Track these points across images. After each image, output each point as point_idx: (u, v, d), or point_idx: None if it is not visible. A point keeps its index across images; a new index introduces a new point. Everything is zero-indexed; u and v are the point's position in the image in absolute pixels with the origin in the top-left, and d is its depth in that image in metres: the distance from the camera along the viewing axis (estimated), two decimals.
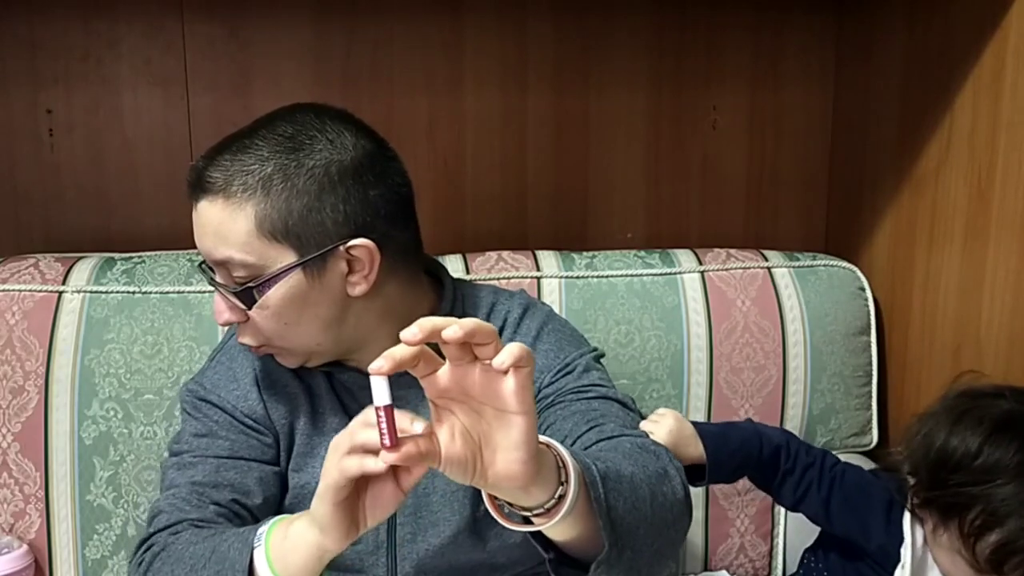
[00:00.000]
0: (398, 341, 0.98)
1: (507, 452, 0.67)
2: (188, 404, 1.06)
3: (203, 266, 0.97)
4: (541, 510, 0.71)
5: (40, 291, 1.29)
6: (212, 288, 0.99)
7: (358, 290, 0.94)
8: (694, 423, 1.12)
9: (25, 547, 1.26)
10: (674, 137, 1.63)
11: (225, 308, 0.95)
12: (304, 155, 0.91)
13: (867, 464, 1.43)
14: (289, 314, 0.94)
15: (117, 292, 1.30)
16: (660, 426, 1.08)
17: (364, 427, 0.69)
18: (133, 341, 1.28)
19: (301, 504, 1.02)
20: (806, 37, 1.63)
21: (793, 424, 1.44)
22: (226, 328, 1.16)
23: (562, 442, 0.92)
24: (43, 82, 1.46)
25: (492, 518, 1.00)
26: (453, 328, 0.63)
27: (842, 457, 1.44)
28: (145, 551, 0.94)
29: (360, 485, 0.72)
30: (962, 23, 1.31)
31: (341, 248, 0.92)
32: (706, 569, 1.44)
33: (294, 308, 0.93)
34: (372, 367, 0.64)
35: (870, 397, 1.48)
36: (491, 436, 0.68)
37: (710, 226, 1.66)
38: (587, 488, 0.74)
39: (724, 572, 1.44)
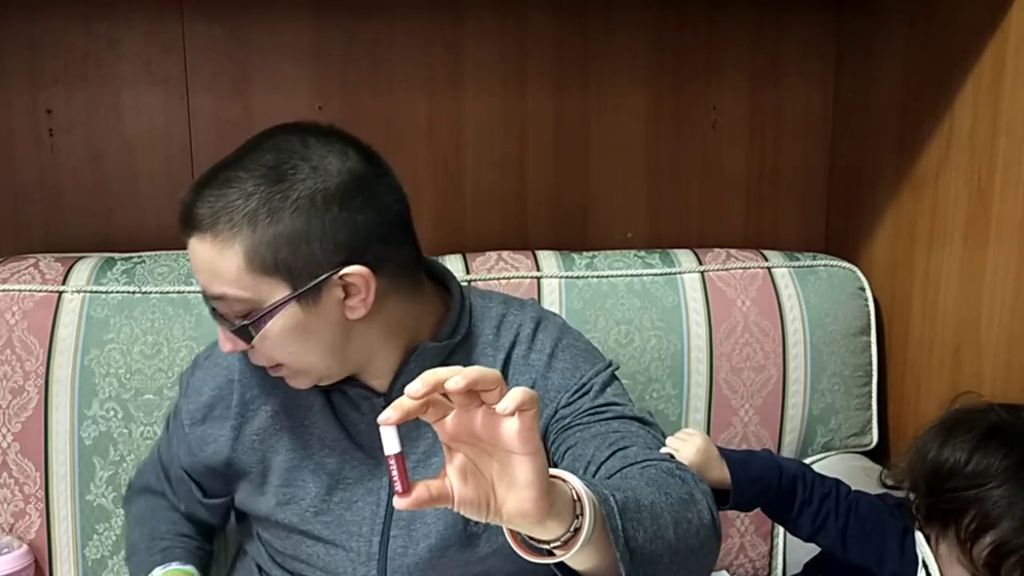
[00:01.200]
0: (406, 355, 0.99)
1: (518, 491, 0.68)
2: (172, 412, 1.13)
3: (206, 298, 0.97)
4: (558, 543, 0.72)
5: (40, 291, 1.29)
6: None
7: (357, 314, 0.93)
8: (717, 447, 1.11)
9: (25, 547, 1.26)
10: (674, 137, 1.63)
11: (227, 340, 0.95)
12: (288, 186, 0.89)
13: (867, 464, 1.43)
14: (291, 344, 0.93)
15: (117, 292, 1.30)
16: (688, 445, 1.07)
17: None
18: (133, 341, 1.28)
19: (287, 508, 1.03)
20: (806, 37, 1.63)
21: (793, 424, 1.44)
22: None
23: (585, 468, 0.92)
24: (43, 82, 1.46)
25: (483, 530, 1.00)
26: (456, 380, 0.64)
27: (842, 457, 1.45)
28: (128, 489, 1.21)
29: None
30: (962, 23, 1.31)
31: (335, 277, 0.90)
32: None
33: (295, 338, 0.93)
34: (381, 418, 0.66)
35: (870, 397, 1.48)
36: (502, 476, 0.69)
37: (710, 226, 1.66)
38: (604, 519, 0.75)
39: (724, 572, 1.44)
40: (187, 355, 1.28)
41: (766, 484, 1.09)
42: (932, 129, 1.38)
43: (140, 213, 1.52)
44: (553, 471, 0.74)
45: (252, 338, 0.92)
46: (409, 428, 0.99)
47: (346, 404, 1.03)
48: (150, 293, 1.30)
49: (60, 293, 1.29)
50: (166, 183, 1.51)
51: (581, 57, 1.58)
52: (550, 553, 0.73)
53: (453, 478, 0.70)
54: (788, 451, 1.45)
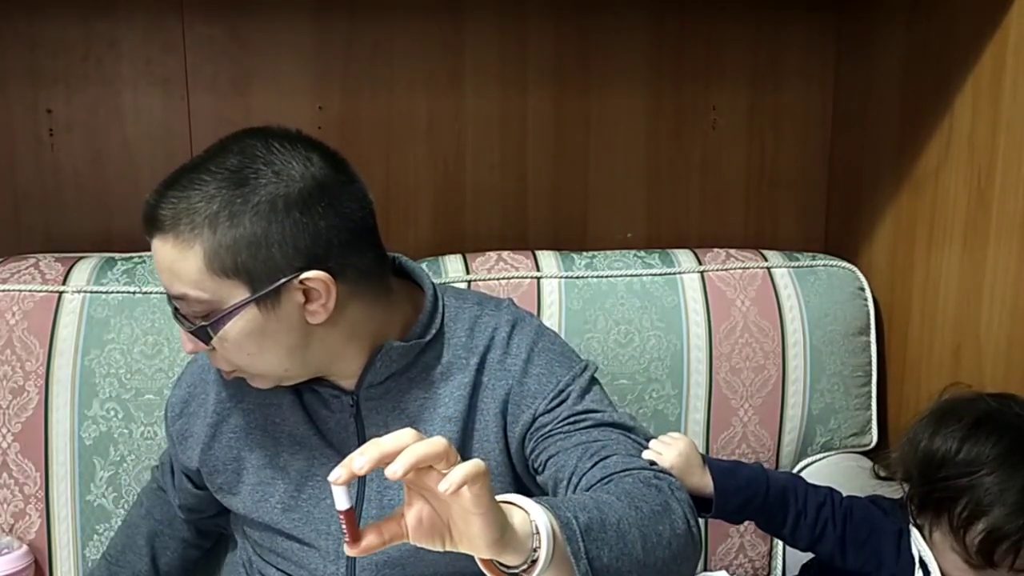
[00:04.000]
0: (369, 358, 0.99)
1: (472, 539, 0.72)
2: (166, 431, 1.14)
3: (169, 299, 0.97)
4: (518, 570, 0.76)
5: (40, 291, 1.29)
6: None
7: (318, 319, 0.93)
8: (703, 456, 1.11)
9: (25, 547, 1.26)
10: (674, 137, 1.63)
11: (188, 340, 0.96)
12: (249, 190, 0.89)
13: (867, 464, 1.43)
14: (249, 346, 0.93)
15: (117, 292, 1.30)
16: (671, 449, 1.06)
17: None
18: (133, 341, 1.28)
19: (260, 506, 1.05)
20: (806, 37, 1.63)
21: (792, 424, 1.44)
22: None
23: (568, 479, 0.93)
24: (43, 82, 1.46)
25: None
26: (394, 468, 0.68)
27: (842, 457, 1.45)
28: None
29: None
30: (962, 22, 1.31)
31: (295, 281, 0.90)
32: (706, 569, 1.44)
33: (253, 340, 0.93)
34: (331, 477, 0.70)
35: (870, 397, 1.48)
36: (456, 522, 0.73)
37: (710, 226, 1.67)
38: (565, 543, 0.77)
39: (724, 572, 1.44)
40: (187, 355, 1.27)
41: (752, 494, 1.09)
42: (932, 129, 1.38)
43: (140, 213, 1.51)
44: (513, 499, 0.77)
45: (210, 339, 0.93)
46: (378, 428, 1.02)
47: (316, 402, 1.03)
48: (150, 293, 1.30)
49: (60, 293, 1.29)
50: None
51: (581, 57, 1.58)
52: (518, 575, 0.77)
53: (410, 521, 0.74)
54: (787, 451, 1.45)
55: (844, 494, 1.14)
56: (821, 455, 1.45)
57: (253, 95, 1.51)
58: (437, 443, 0.70)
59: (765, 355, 1.42)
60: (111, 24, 1.46)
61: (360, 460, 0.69)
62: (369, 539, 0.72)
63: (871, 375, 1.48)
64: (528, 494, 0.82)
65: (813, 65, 1.64)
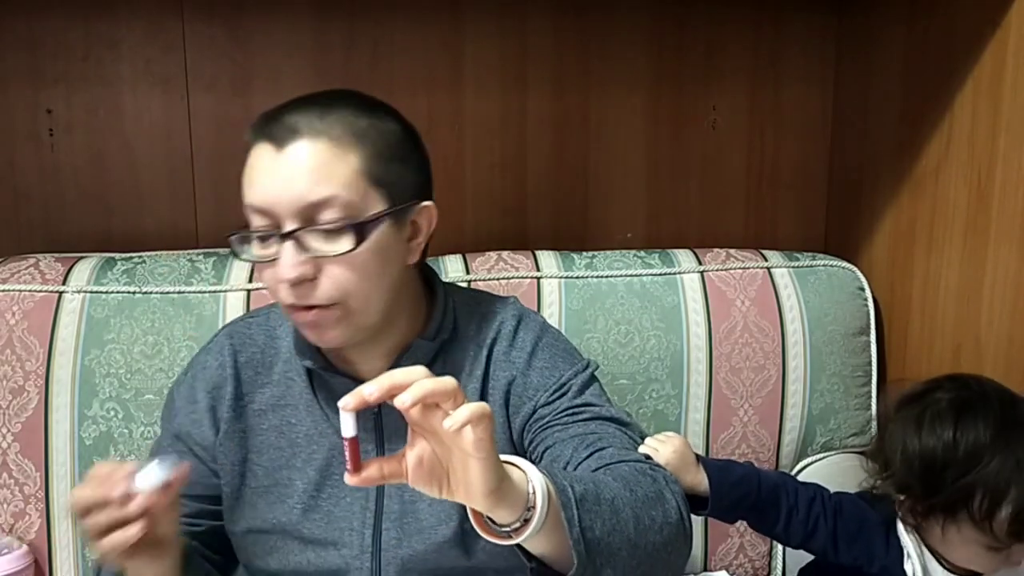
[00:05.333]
0: (399, 352, 1.00)
1: (469, 486, 0.74)
2: (163, 430, 1.10)
3: (256, 231, 0.94)
4: (509, 528, 0.77)
5: (40, 291, 1.29)
6: (244, 259, 0.98)
7: (413, 258, 0.99)
8: (696, 455, 1.12)
9: (25, 547, 1.26)
10: (674, 137, 1.63)
11: (293, 267, 0.92)
12: (381, 118, 0.96)
13: (867, 464, 1.43)
14: (373, 265, 0.94)
15: (117, 292, 1.30)
16: (665, 446, 1.08)
17: (95, 513, 0.82)
18: (133, 341, 1.28)
19: (275, 508, 1.03)
20: (806, 37, 1.63)
21: (792, 424, 1.44)
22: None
23: (564, 468, 0.94)
24: (43, 82, 1.46)
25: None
26: (403, 398, 0.70)
27: (841, 457, 1.45)
28: None
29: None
30: (962, 23, 1.31)
31: (419, 205, 0.97)
32: (706, 569, 1.44)
33: (378, 260, 0.94)
34: (341, 403, 0.71)
35: (870, 397, 1.48)
36: (455, 468, 0.75)
37: (710, 226, 1.67)
38: (560, 509, 0.79)
39: (723, 572, 1.44)
40: (187, 355, 1.28)
41: (746, 491, 1.10)
42: (932, 129, 1.38)
43: (140, 213, 1.52)
44: (512, 459, 0.79)
45: (363, 239, 0.92)
46: (398, 422, 1.00)
47: (333, 400, 1.02)
48: (150, 293, 1.30)
49: (60, 293, 1.29)
50: (166, 183, 1.51)
51: (581, 57, 1.58)
52: (509, 535, 0.78)
53: (410, 461, 0.75)
54: (787, 451, 1.45)
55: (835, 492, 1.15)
56: (821, 455, 1.45)
57: (253, 95, 1.50)
58: (447, 381, 0.72)
59: (765, 355, 1.42)
60: (111, 24, 1.46)
61: (371, 388, 0.71)
62: (369, 471, 0.74)
63: (871, 375, 1.48)
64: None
65: (813, 65, 1.64)
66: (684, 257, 1.46)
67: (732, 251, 1.49)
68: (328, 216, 0.91)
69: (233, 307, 1.30)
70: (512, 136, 1.59)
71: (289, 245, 0.91)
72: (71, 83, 1.47)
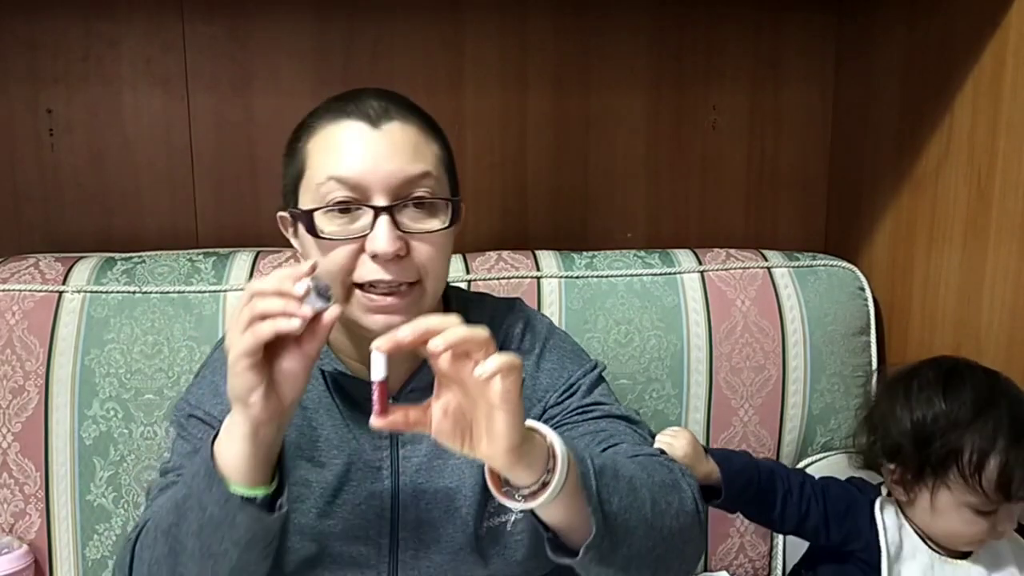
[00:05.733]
0: (418, 361, 1.00)
1: (492, 439, 0.75)
2: (176, 424, 1.05)
3: (349, 203, 0.92)
4: (527, 491, 0.78)
5: (40, 291, 1.29)
6: (320, 236, 0.93)
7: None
8: (703, 446, 1.16)
9: (25, 547, 1.26)
10: (674, 137, 1.63)
11: (392, 239, 0.91)
12: None
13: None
14: (450, 249, 0.97)
15: (117, 292, 1.30)
16: (678, 439, 1.12)
17: (267, 297, 0.77)
18: (133, 341, 1.28)
19: (292, 490, 1.00)
20: (806, 37, 1.63)
21: (793, 424, 1.44)
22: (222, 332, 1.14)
23: None
24: (43, 82, 1.46)
25: (494, 536, 1.00)
26: (436, 342, 0.72)
27: (842, 457, 1.45)
28: (132, 543, 0.93)
29: (269, 356, 0.80)
30: (962, 23, 1.31)
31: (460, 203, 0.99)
32: (706, 569, 1.44)
33: (452, 244, 0.97)
34: (375, 344, 0.74)
35: (870, 397, 1.48)
36: (480, 421, 0.76)
37: (710, 226, 1.67)
38: (579, 478, 0.79)
39: (724, 572, 1.44)
40: (187, 355, 1.28)
41: (749, 477, 1.14)
42: (932, 129, 1.38)
43: (140, 213, 1.52)
44: (535, 424, 0.80)
45: (449, 223, 0.95)
46: (414, 432, 0.99)
47: (353, 406, 1.02)
48: (150, 293, 1.30)
49: (60, 293, 1.29)
50: (166, 183, 1.51)
51: (581, 57, 1.58)
52: (525, 499, 0.79)
53: (436, 411, 0.77)
54: (788, 451, 1.45)
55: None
56: (821, 455, 1.45)
57: (253, 95, 1.51)
58: (480, 331, 0.74)
59: (765, 355, 1.42)
60: (111, 24, 1.46)
61: (406, 331, 0.73)
62: (395, 416, 0.76)
63: (871, 375, 1.48)
64: None
65: (813, 65, 1.64)
66: (684, 257, 1.46)
67: (732, 251, 1.49)
68: (420, 193, 0.93)
69: (233, 307, 1.30)
70: (512, 136, 1.59)
71: (385, 219, 0.91)
72: (71, 83, 1.47)
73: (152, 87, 1.49)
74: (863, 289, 1.50)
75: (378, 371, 0.75)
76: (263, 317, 0.78)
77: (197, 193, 1.52)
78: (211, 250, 1.41)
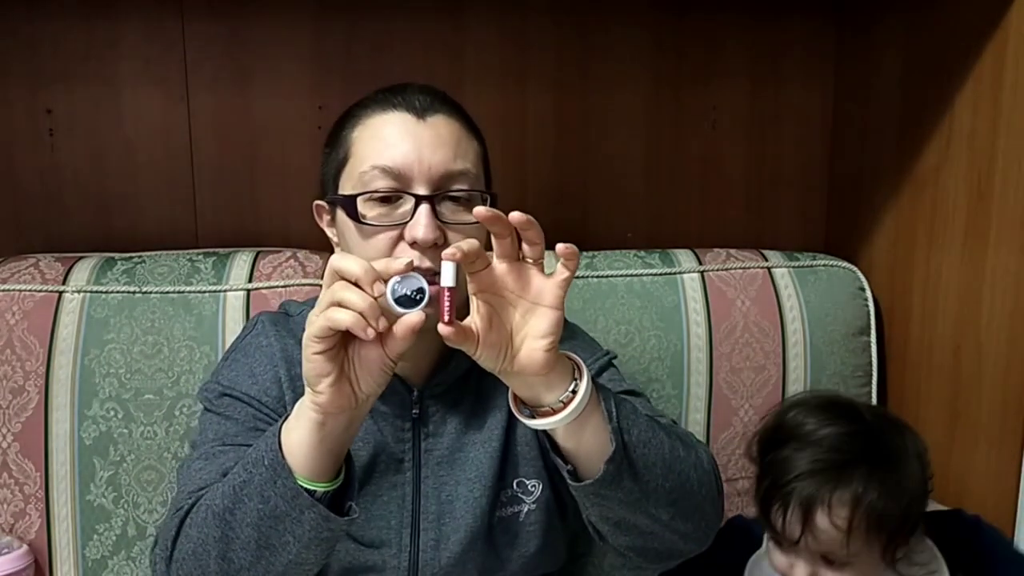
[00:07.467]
0: (445, 352, 1.02)
1: (533, 340, 0.80)
2: (208, 402, 1.04)
3: (393, 191, 0.94)
4: (558, 403, 0.82)
5: (40, 291, 1.29)
6: (369, 224, 0.95)
7: None
8: None
9: (25, 547, 1.26)
10: (674, 137, 1.63)
11: (431, 227, 0.92)
12: None
13: None
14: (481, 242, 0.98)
15: (117, 292, 1.30)
16: None
17: (349, 287, 0.76)
18: (133, 341, 1.28)
19: None
20: (806, 37, 1.63)
21: None
22: (235, 326, 1.14)
23: None
24: (43, 82, 1.46)
25: (506, 527, 1.01)
26: (517, 215, 0.78)
27: None
28: (181, 516, 0.89)
29: (346, 344, 0.79)
30: (962, 23, 1.31)
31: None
32: None
33: (485, 238, 0.97)
34: (446, 253, 0.76)
35: (870, 397, 1.48)
36: (521, 327, 0.81)
37: (710, 226, 1.67)
38: (600, 399, 0.84)
39: None
40: (187, 355, 1.28)
41: None
42: (932, 129, 1.38)
43: (140, 213, 1.52)
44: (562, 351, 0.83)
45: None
46: (436, 425, 1.03)
47: (379, 397, 1.02)
48: (150, 293, 1.30)
49: (60, 293, 1.29)
50: (166, 183, 1.51)
51: (581, 57, 1.58)
52: (547, 414, 0.82)
53: (480, 324, 0.80)
54: None
55: None
56: None
57: (253, 95, 1.51)
58: (539, 227, 0.80)
59: (765, 355, 1.42)
60: (111, 24, 1.46)
61: (516, 215, 0.79)
62: (456, 327, 0.77)
63: (871, 375, 1.48)
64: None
65: (813, 65, 1.64)
66: (684, 257, 1.46)
67: (732, 251, 1.49)
68: (460, 186, 0.95)
69: (233, 307, 1.30)
70: (512, 136, 1.59)
71: (426, 207, 0.93)
72: (71, 83, 1.47)
73: (152, 87, 1.49)
74: (863, 289, 1.49)
75: (447, 278, 0.76)
76: (341, 304, 0.76)
77: (197, 193, 1.52)
78: (211, 250, 1.41)
